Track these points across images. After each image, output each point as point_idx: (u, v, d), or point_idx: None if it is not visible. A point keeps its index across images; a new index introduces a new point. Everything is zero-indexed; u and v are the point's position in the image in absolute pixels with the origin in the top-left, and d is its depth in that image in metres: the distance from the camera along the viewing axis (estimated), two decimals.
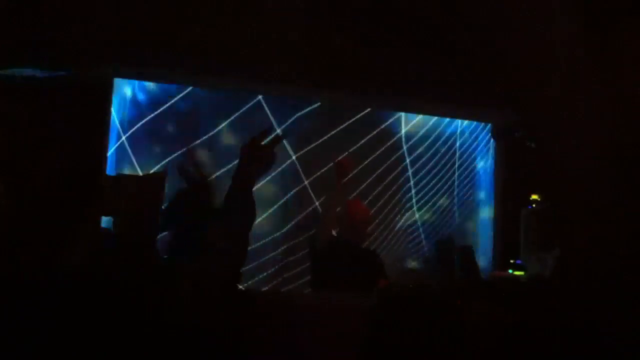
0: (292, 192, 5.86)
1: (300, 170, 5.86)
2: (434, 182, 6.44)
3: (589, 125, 5.11)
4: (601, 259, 4.67)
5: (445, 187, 6.50)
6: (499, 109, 5.68)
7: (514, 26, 4.98)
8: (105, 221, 3.29)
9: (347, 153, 4.79)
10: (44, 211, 3.32)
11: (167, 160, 5.54)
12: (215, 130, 5.76)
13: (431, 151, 6.41)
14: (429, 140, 6.39)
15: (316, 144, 5.88)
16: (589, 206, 4.99)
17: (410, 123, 6.30)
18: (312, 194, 5.82)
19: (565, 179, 5.18)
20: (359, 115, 6.00)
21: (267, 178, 5.50)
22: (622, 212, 4.58)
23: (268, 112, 5.69)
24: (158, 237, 3.73)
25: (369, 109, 6.01)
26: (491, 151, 6.52)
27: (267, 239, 5.74)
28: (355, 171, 5.11)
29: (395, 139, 6.23)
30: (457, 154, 6.53)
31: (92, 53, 4.82)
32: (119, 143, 5.57)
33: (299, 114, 5.80)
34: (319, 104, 5.82)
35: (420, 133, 6.37)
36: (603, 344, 3.48)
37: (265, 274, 5.69)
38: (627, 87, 4.68)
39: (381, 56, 5.07)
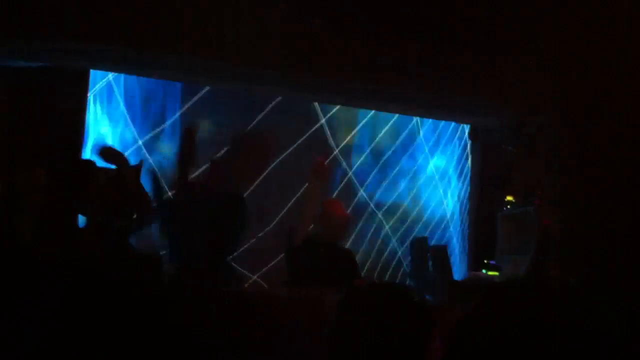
0: None
1: None
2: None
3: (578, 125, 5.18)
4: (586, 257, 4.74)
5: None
6: (478, 111, 5.73)
7: (501, 22, 5.04)
8: None
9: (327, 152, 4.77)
10: (22, 199, 3.31)
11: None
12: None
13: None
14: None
15: None
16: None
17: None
18: None
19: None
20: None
21: None
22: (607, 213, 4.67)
23: None
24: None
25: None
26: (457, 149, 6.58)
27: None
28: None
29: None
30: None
31: (69, 45, 4.78)
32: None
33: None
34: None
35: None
36: (578, 345, 3.53)
37: None
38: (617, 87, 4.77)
39: (363, 54, 5.07)
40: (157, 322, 2.69)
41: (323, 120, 5.99)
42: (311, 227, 4.51)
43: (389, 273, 6.28)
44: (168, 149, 5.53)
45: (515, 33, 5.04)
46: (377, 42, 5.09)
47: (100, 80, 5.54)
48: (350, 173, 6.09)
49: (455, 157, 6.70)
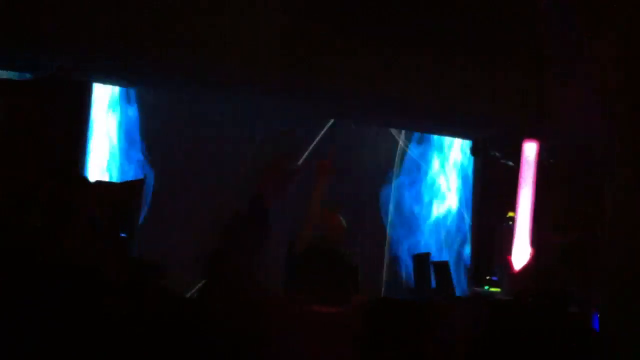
0: None
1: None
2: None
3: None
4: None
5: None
6: (479, 127, 5.74)
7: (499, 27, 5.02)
8: None
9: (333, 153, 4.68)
10: (25, 208, 3.28)
11: None
12: None
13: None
14: None
15: None
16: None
17: None
18: None
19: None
20: None
21: None
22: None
23: None
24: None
25: None
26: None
27: None
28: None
29: None
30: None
31: (73, 57, 4.78)
32: None
33: None
34: None
35: None
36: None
37: None
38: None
39: (365, 73, 5.09)
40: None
41: None
42: (311, 231, 4.45)
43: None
44: None
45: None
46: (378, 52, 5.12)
47: None
48: None
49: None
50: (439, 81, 5.25)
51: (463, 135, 6.27)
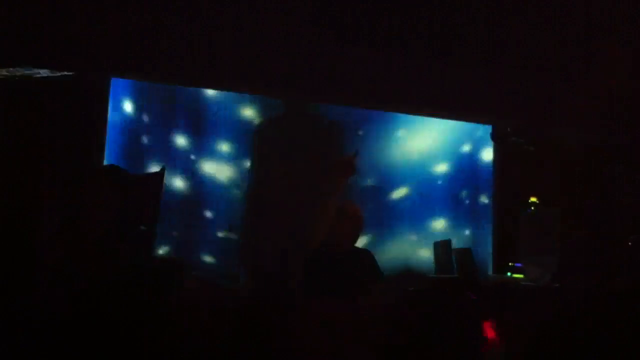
0: None
1: None
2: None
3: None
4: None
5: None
6: (499, 112, 5.68)
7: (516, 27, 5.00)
8: None
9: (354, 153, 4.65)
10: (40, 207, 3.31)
11: None
12: None
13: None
14: None
15: None
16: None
17: None
18: None
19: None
20: None
21: None
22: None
23: None
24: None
25: None
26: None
27: None
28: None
29: None
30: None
31: (91, 54, 4.81)
32: None
33: None
34: None
35: None
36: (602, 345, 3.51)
37: None
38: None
39: (381, 59, 5.06)
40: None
41: None
42: (331, 229, 4.44)
43: None
44: None
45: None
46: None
47: None
48: None
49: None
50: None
51: (482, 121, 6.21)
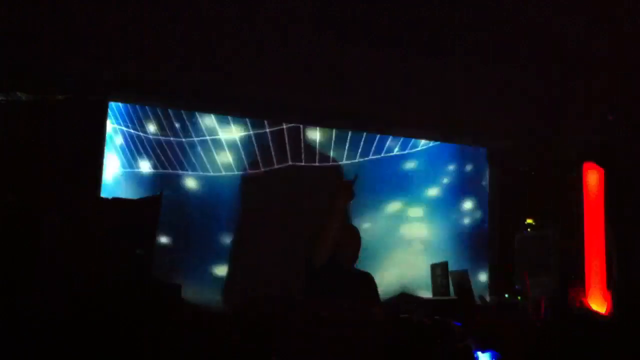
0: None
1: None
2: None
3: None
4: None
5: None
6: (494, 135, 5.72)
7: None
8: None
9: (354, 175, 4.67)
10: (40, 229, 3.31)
11: None
12: None
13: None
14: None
15: None
16: None
17: None
18: None
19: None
20: None
21: None
22: None
23: None
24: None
25: None
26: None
27: None
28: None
29: None
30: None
31: (90, 78, 4.84)
32: None
33: None
34: None
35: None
36: None
37: None
38: None
39: (381, 79, 5.10)
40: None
41: None
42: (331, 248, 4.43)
43: None
44: None
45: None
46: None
47: None
48: None
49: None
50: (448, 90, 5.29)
51: (476, 143, 6.24)
